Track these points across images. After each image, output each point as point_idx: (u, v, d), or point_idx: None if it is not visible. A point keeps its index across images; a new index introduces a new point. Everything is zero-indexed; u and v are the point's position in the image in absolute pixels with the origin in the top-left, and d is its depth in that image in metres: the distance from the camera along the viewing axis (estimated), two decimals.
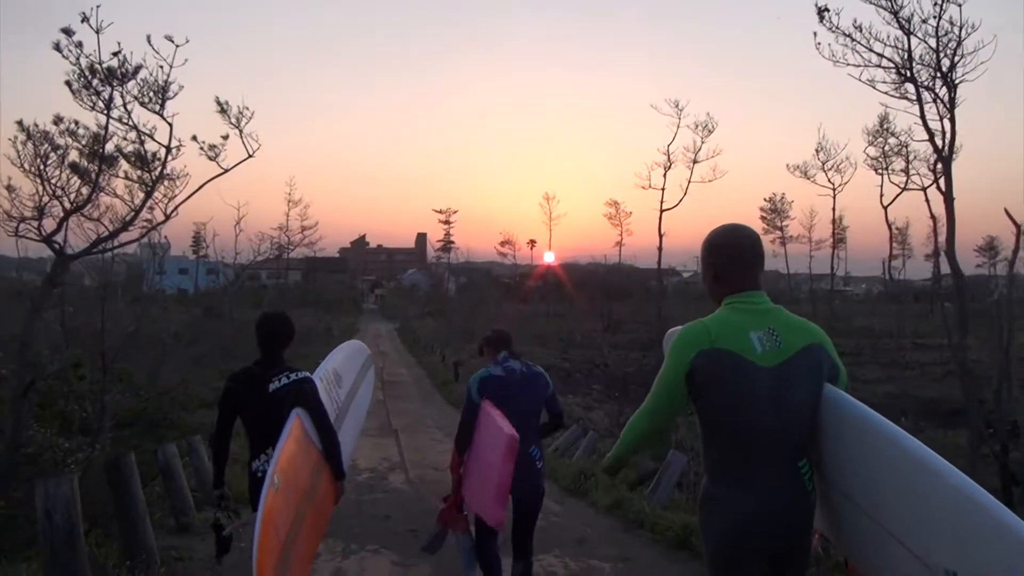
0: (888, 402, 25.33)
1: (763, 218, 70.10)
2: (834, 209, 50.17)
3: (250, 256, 33.02)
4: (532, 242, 71.89)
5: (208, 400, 18.24)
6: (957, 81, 10.68)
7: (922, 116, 10.95)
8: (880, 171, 26.19)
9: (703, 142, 37.92)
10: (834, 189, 45.62)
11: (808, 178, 40.67)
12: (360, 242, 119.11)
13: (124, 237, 9.80)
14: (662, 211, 38.32)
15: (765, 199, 69.69)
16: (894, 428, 2.39)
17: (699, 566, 5.55)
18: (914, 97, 11.03)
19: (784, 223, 69.70)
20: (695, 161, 38.18)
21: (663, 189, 38.79)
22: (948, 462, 2.24)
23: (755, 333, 2.52)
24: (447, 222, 76.17)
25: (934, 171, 12.29)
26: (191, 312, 36.14)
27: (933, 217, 18.61)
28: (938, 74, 10.64)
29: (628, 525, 7.32)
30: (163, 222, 9.56)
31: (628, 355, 37.52)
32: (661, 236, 38.65)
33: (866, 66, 11.19)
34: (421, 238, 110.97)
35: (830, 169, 41.19)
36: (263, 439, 3.99)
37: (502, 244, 70.54)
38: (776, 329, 2.54)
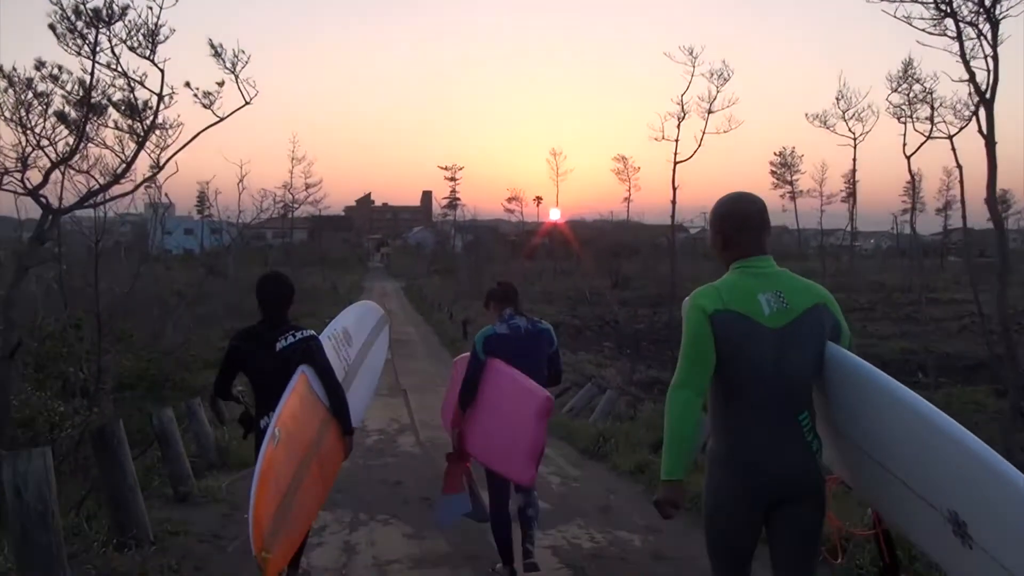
0: (905, 358, 24.91)
1: (773, 172, 69.44)
2: (854, 159, 48.56)
3: (254, 215, 32.40)
4: (538, 199, 71.27)
5: (212, 360, 17.86)
6: (1000, 16, 10.01)
7: (962, 54, 10.28)
8: (903, 119, 25.13)
9: (718, 91, 36.30)
10: (855, 139, 44.03)
11: (828, 128, 38.80)
12: (365, 200, 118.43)
13: (116, 190, 9.26)
14: (676, 163, 37.01)
15: (775, 153, 68.86)
16: (892, 381, 2.53)
17: None
18: (954, 34, 10.35)
19: (794, 177, 69.00)
20: (710, 111, 36.40)
21: (677, 141, 37.32)
22: (942, 412, 2.39)
23: (763, 295, 2.63)
24: (453, 179, 75.16)
25: (975, 113, 11.52)
26: (197, 272, 35.77)
27: (959, 166, 17.86)
28: (981, 8, 9.96)
29: (654, 491, 6.85)
30: (155, 173, 9.07)
31: (638, 312, 37.08)
32: (675, 189, 37.31)
33: (903, 1, 10.50)
34: (427, 196, 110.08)
35: (851, 118, 39.67)
36: (270, 397, 3.97)
37: (509, 200, 69.86)
38: (783, 291, 2.65)
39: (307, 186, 49.99)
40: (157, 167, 8.92)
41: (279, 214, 54.71)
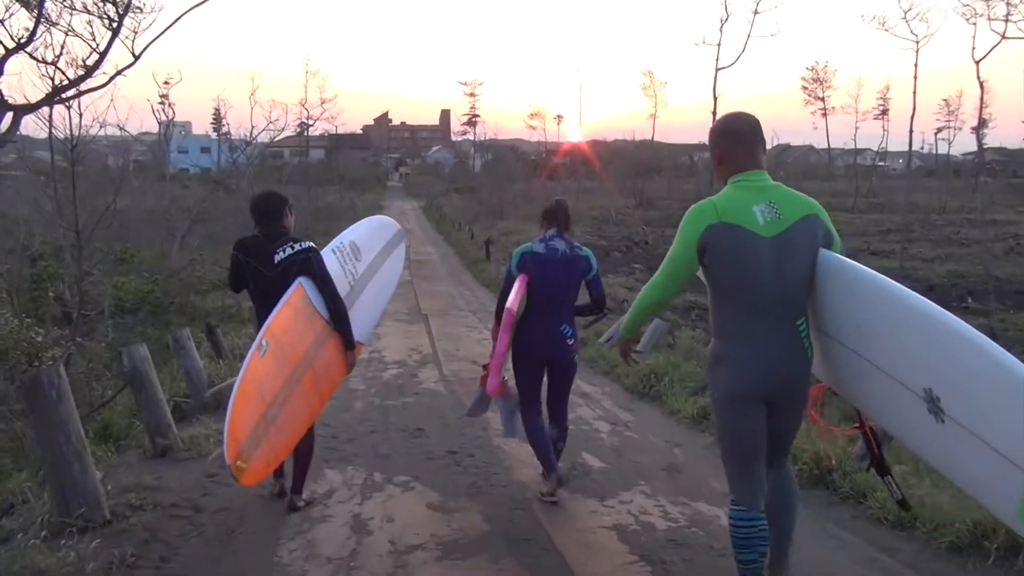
0: (952, 281, 23.55)
1: (804, 88, 66.83)
2: (916, 64, 44.29)
3: (266, 128, 30.92)
4: (559, 117, 69.08)
5: (220, 282, 16.87)
6: None
7: None
8: (972, 20, 22.89)
9: None
10: (917, 42, 40.51)
11: (887, 29, 35.26)
12: (383, 119, 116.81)
13: (89, 84, 7.97)
14: (717, 70, 34.48)
15: (807, 68, 66.16)
16: (879, 276, 2.77)
17: (851, 508, 4.47)
18: None
19: (826, 93, 66.43)
20: (756, 12, 34.07)
21: (719, 45, 34.93)
22: (921, 296, 2.64)
23: (757, 207, 2.83)
24: (472, 95, 72.87)
25: None
26: (211, 190, 34.70)
27: None
28: None
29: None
30: (132, 64, 7.73)
31: (664, 232, 35.65)
32: (716, 99, 34.90)
33: None
34: (445, 115, 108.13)
35: (913, 18, 36.12)
36: (269, 309, 3.91)
37: (531, 116, 67.72)
38: (776, 202, 2.85)
39: (322, 101, 48.16)
40: (134, 56, 7.60)
41: (295, 132, 53.30)
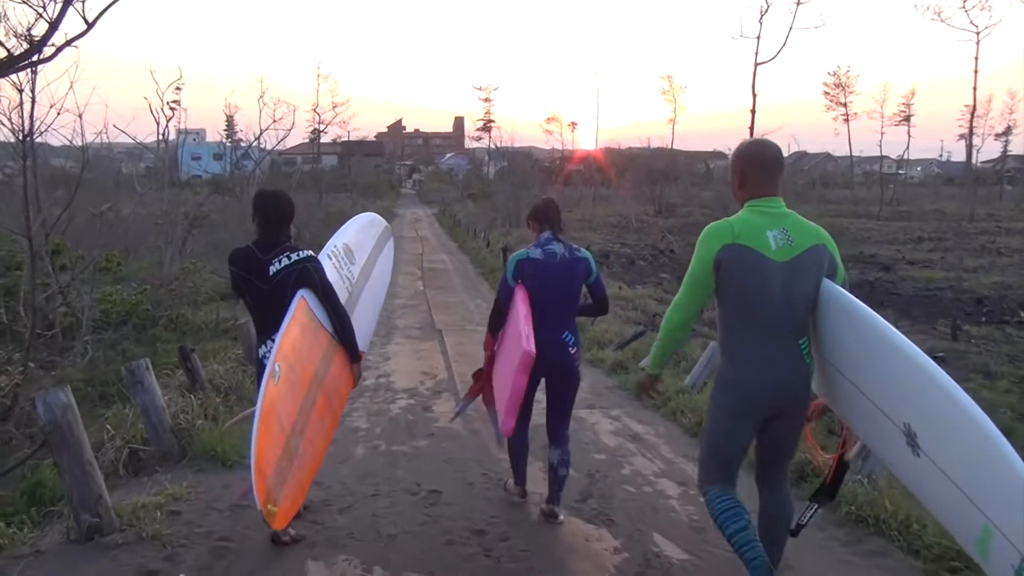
0: (1000, 293, 22.09)
1: (826, 93, 65.28)
2: (976, 58, 41.30)
3: (272, 129, 29.68)
4: (573, 124, 67.78)
5: (223, 291, 15.58)
6: None
7: None
8: None
9: None
10: (978, 32, 37.96)
11: (942, 20, 32.23)
12: (397, 127, 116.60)
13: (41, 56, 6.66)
14: (756, 65, 32.23)
15: (829, 72, 64.69)
16: (872, 314, 2.91)
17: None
18: None
19: (848, 99, 64.88)
20: (798, 3, 31.63)
21: (758, 38, 32.72)
22: (908, 340, 2.81)
23: (771, 232, 3.00)
24: (487, 99, 71.61)
25: None
26: (209, 194, 33.68)
27: None
28: None
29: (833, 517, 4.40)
30: (84, 33, 6.41)
31: (687, 239, 34.29)
32: (755, 96, 32.63)
33: None
34: (459, 122, 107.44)
35: (973, 7, 33.65)
36: (267, 324, 3.77)
37: (548, 121, 66.46)
38: (788, 230, 3.03)
39: (334, 105, 47.10)
40: (87, 24, 6.31)
41: (308, 138, 52.32)
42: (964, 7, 31.79)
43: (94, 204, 22.96)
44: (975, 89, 44.87)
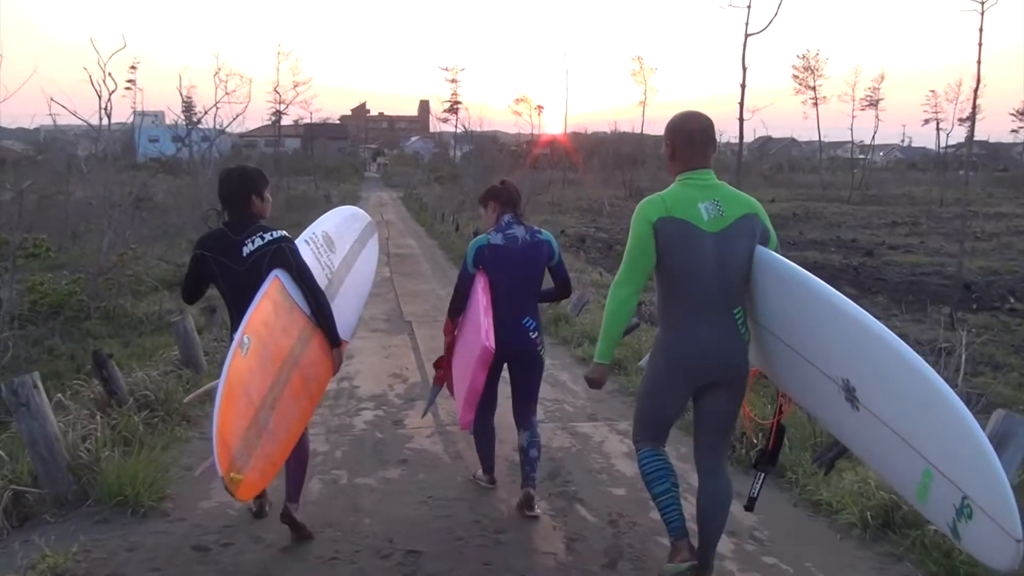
0: (987, 279, 21.44)
1: (795, 77, 64.72)
2: (981, 30, 38.97)
3: (223, 103, 28.14)
4: (539, 108, 66.34)
5: (170, 279, 14.23)
6: None
7: None
8: None
9: None
10: (982, 3, 36.49)
11: None
12: (361, 110, 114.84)
13: None
14: (747, 36, 30.61)
15: (798, 56, 64.16)
16: (807, 274, 2.99)
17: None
18: None
19: (817, 82, 64.37)
20: None
21: (749, 7, 31.15)
22: (843, 295, 2.88)
23: (702, 204, 3.06)
24: (454, 80, 69.84)
25: None
26: (183, 179, 32.16)
27: None
28: None
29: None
30: None
31: None
32: (744, 69, 30.90)
33: None
34: (424, 106, 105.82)
35: None
36: (242, 309, 3.51)
37: (516, 102, 64.98)
38: (720, 200, 3.09)
39: (295, 84, 45.41)
40: None
41: (270, 120, 50.60)
42: None
43: (46, 188, 21.55)
44: (979, 63, 43.88)
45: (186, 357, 6.92)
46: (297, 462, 3.81)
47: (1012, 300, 18.93)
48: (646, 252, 3.05)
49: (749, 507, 3.38)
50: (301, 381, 3.61)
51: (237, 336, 3.29)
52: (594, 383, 3.28)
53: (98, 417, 4.70)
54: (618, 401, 6.69)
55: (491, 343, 3.73)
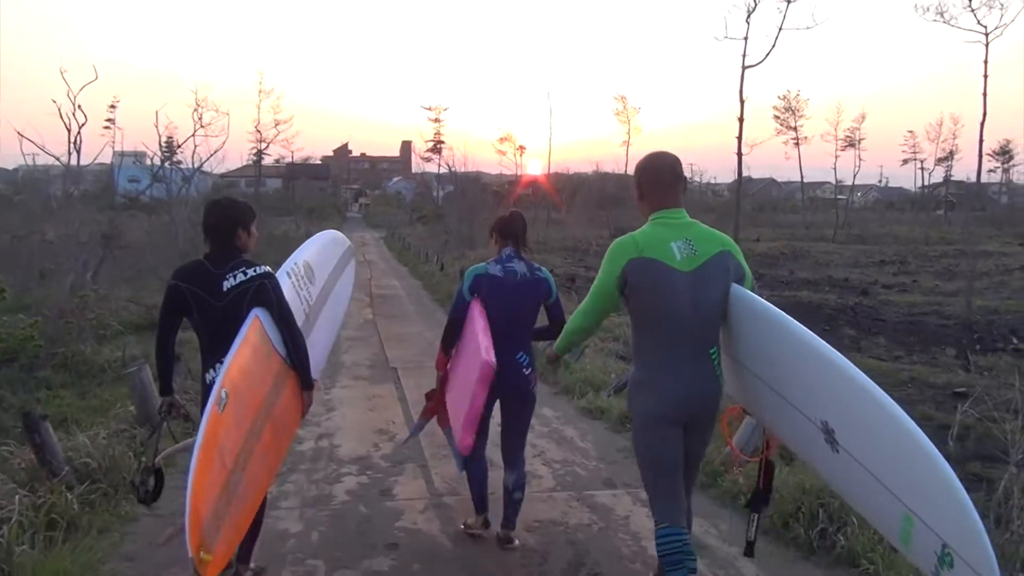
0: (987, 318, 20.87)
1: (776, 117, 64.91)
2: (986, 62, 37.76)
3: (199, 136, 27.45)
4: (522, 148, 66.15)
5: (139, 322, 13.32)
6: None
7: None
8: None
9: None
10: (987, 33, 35.74)
11: (946, 21, 29.23)
12: (343, 150, 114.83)
13: None
14: (744, 68, 29.77)
15: (779, 96, 64.42)
16: (782, 315, 2.97)
17: None
18: None
19: (798, 123, 64.61)
20: (788, 1, 29.03)
21: (746, 39, 30.09)
22: (819, 337, 2.86)
23: (675, 243, 3.06)
24: (437, 120, 69.56)
25: None
26: (162, 219, 31.38)
27: None
28: None
29: None
30: None
31: None
32: (743, 102, 30.03)
33: None
34: (406, 146, 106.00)
35: (980, 6, 31.48)
36: (217, 346, 3.39)
37: (500, 141, 64.75)
38: (692, 240, 3.09)
39: (277, 123, 44.90)
40: None
41: (251, 160, 50.05)
42: (971, 7, 29.76)
43: (19, 228, 20.65)
44: (985, 95, 42.83)
45: (142, 414, 6.07)
46: (253, 521, 3.48)
47: (1015, 341, 18.37)
48: (610, 294, 3.12)
49: (748, 553, 3.27)
50: (272, 434, 3.42)
51: (214, 391, 3.06)
52: (549, 360, 3.86)
53: (17, 498, 3.82)
54: (633, 463, 5.85)
55: (492, 358, 3.71)
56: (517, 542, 4.27)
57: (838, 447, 2.73)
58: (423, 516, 4.71)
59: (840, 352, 2.85)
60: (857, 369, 2.70)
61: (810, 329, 2.97)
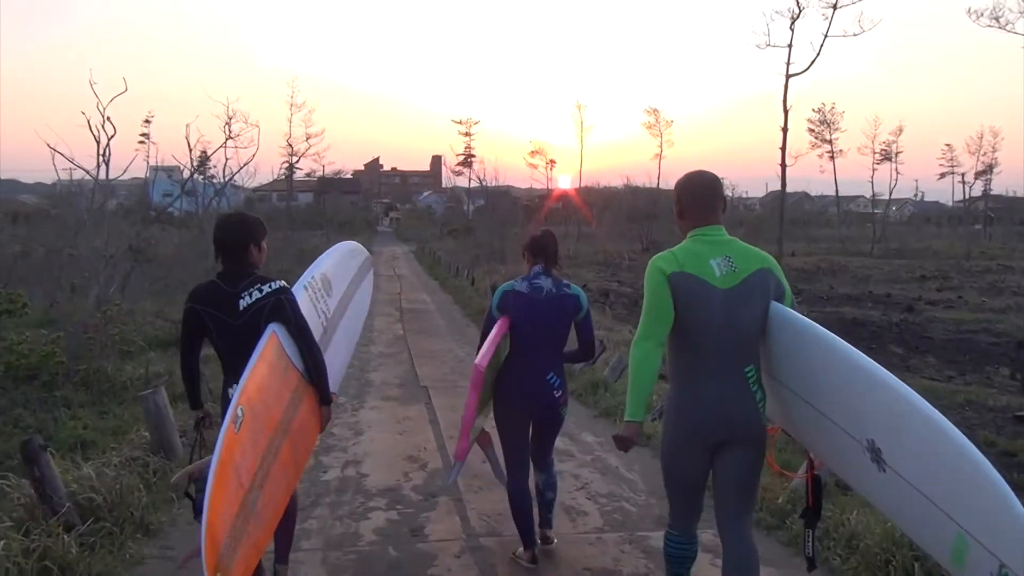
0: None
1: (811, 130, 63.89)
2: None
3: (227, 147, 27.25)
4: (552, 162, 65.74)
5: (165, 338, 13.02)
6: None
7: None
8: None
9: None
10: None
11: (1001, 26, 27.12)
12: (373, 165, 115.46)
13: None
14: (788, 76, 28.58)
15: (814, 110, 63.29)
16: (825, 332, 2.90)
17: None
18: None
19: (833, 135, 63.58)
20: (834, 7, 27.18)
21: (790, 46, 28.97)
22: (863, 354, 2.78)
23: (714, 260, 3.00)
24: (467, 134, 69.41)
25: None
26: (146, 226, 31.42)
27: None
28: None
29: None
30: None
31: None
32: (786, 112, 28.74)
33: None
34: (436, 161, 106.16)
35: None
36: (237, 365, 3.31)
37: (532, 155, 64.40)
38: (731, 256, 3.03)
39: (308, 136, 44.92)
40: None
41: (283, 174, 50.21)
42: None
43: (54, 242, 20.60)
44: None
45: (157, 440, 5.67)
46: (285, 522, 3.55)
47: None
48: (664, 304, 2.99)
49: (811, 567, 3.25)
50: (290, 450, 3.37)
51: (230, 409, 2.98)
52: (625, 443, 3.08)
53: (3, 543, 3.40)
54: None
55: (483, 363, 3.75)
56: (556, 540, 4.42)
57: (885, 466, 2.66)
58: (459, 561, 4.23)
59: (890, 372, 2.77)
60: (907, 387, 2.63)
61: (855, 347, 2.89)
